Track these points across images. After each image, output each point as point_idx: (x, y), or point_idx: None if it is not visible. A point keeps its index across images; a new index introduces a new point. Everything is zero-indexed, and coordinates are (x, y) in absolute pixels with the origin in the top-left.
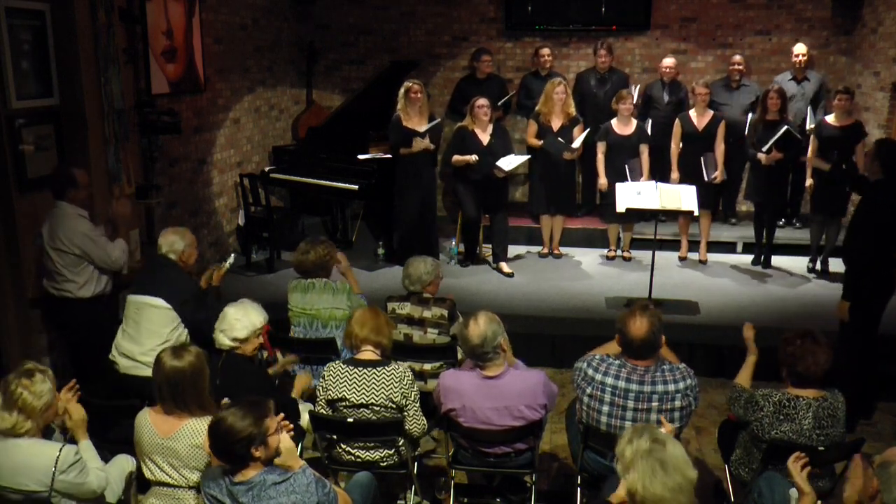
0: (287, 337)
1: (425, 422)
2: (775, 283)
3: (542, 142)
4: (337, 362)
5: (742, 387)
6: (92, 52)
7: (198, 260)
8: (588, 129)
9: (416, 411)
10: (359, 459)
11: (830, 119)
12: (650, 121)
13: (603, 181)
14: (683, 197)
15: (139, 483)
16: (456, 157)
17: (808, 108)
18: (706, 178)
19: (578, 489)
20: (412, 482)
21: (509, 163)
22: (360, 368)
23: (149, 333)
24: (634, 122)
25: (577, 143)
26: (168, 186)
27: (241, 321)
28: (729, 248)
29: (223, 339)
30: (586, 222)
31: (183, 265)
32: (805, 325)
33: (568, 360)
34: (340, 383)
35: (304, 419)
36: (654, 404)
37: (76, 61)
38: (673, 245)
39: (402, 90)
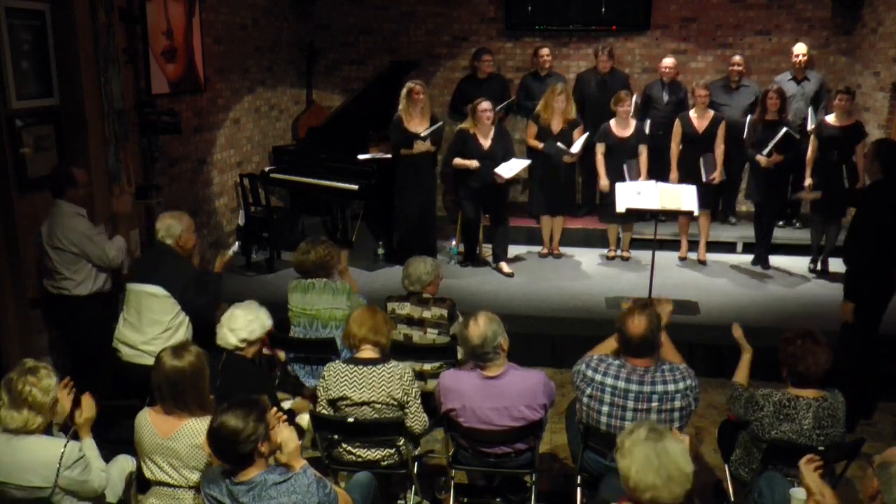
0: (287, 337)
1: (426, 419)
2: (775, 283)
3: (542, 145)
4: (337, 362)
5: (741, 385)
6: (92, 52)
7: (196, 244)
8: (588, 134)
9: (418, 408)
10: (359, 459)
11: (831, 119)
12: (648, 121)
13: (604, 182)
14: (683, 197)
15: (139, 483)
16: (457, 161)
17: (809, 109)
18: (704, 179)
19: (578, 489)
20: (412, 482)
21: (509, 170)
22: (361, 367)
23: (150, 322)
24: (633, 122)
25: (576, 148)
26: (168, 186)
27: (252, 323)
28: (729, 248)
29: (231, 339)
30: (586, 222)
31: (181, 250)
32: (805, 325)
33: (568, 360)
34: (341, 382)
35: (305, 419)
36: (654, 404)
37: (76, 61)
38: (673, 245)
39: (404, 90)
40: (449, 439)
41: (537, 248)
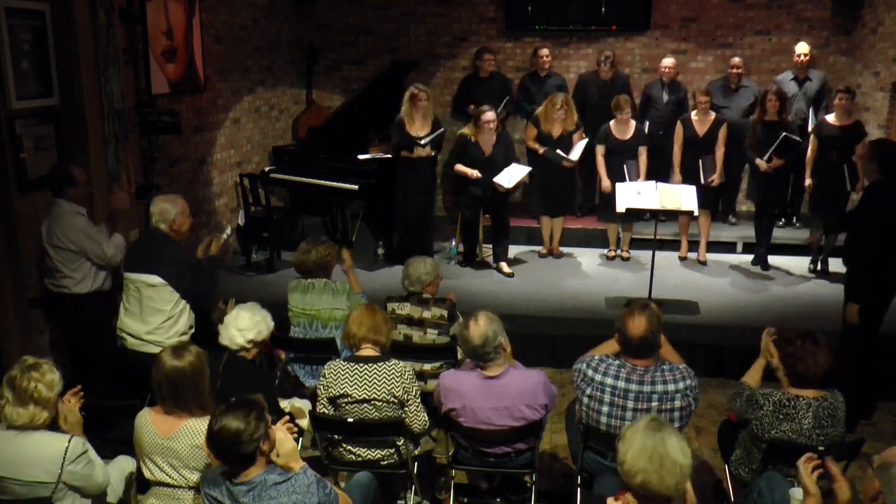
0: (287, 337)
1: (426, 418)
2: (775, 283)
3: (542, 149)
4: (337, 360)
5: (748, 385)
6: (92, 52)
7: (192, 228)
8: (587, 140)
9: (418, 407)
10: (359, 458)
11: (831, 118)
12: (647, 122)
13: (606, 183)
14: (683, 197)
15: (139, 483)
16: (458, 168)
17: (810, 110)
18: (702, 181)
19: (578, 489)
20: (412, 482)
21: (510, 178)
22: (361, 364)
23: (151, 312)
24: (633, 124)
25: (575, 155)
26: (168, 186)
27: (258, 324)
28: (729, 248)
29: (239, 339)
30: (586, 222)
31: (175, 234)
32: (805, 326)
33: (568, 360)
34: (342, 380)
35: (304, 420)
36: (654, 404)
37: (76, 61)
38: (673, 245)
39: (407, 95)
40: (449, 439)
41: (537, 248)
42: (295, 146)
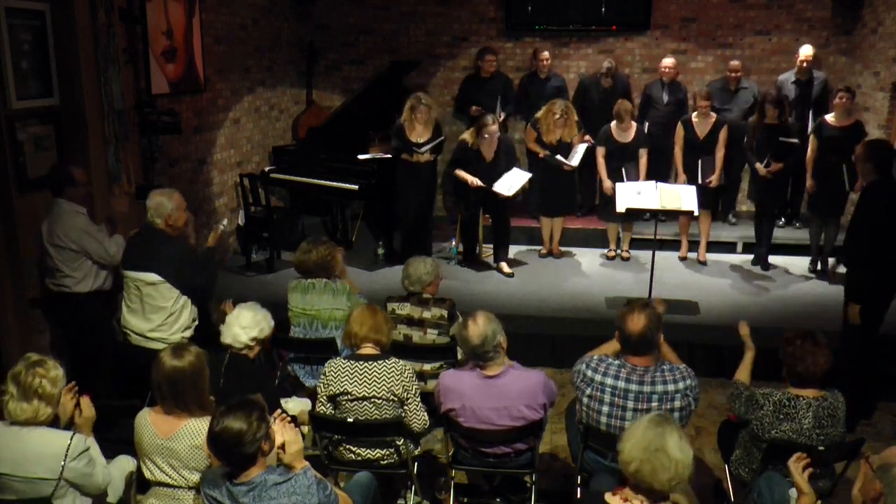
0: (287, 337)
1: (426, 417)
2: (775, 283)
3: (543, 153)
4: (338, 358)
5: (743, 383)
6: (92, 52)
7: (188, 222)
8: (587, 145)
9: (418, 406)
10: (359, 458)
11: (830, 119)
12: (647, 122)
13: (607, 184)
14: (683, 197)
15: (139, 483)
16: (459, 173)
17: (811, 112)
18: (700, 182)
19: (578, 489)
20: (412, 482)
21: (509, 187)
22: (362, 362)
23: (153, 309)
24: (634, 127)
25: (575, 161)
26: (168, 186)
27: (260, 322)
28: (729, 248)
29: (243, 337)
30: (586, 222)
31: (171, 229)
32: (805, 326)
33: (568, 360)
34: (342, 378)
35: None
36: (654, 404)
37: (76, 61)
38: (673, 245)
39: (409, 104)
40: (449, 439)
41: (537, 248)
42: (295, 146)
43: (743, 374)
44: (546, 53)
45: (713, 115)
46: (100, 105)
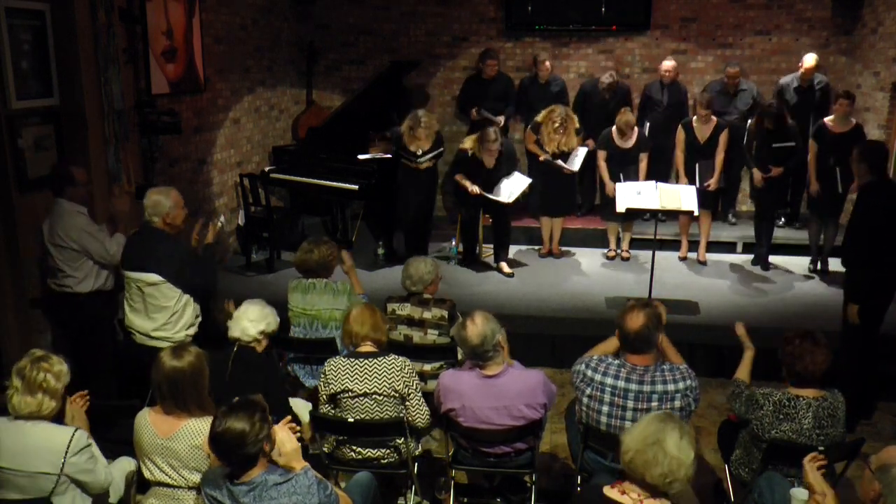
0: (287, 337)
1: (429, 411)
2: (775, 283)
3: (543, 156)
4: (337, 357)
5: (743, 382)
6: (92, 52)
7: (186, 219)
8: (586, 149)
9: (419, 401)
10: (359, 456)
11: (830, 123)
12: (648, 124)
13: (610, 186)
14: (683, 197)
15: (139, 483)
16: (460, 178)
17: (812, 117)
18: (698, 185)
19: (578, 489)
20: (412, 482)
21: (510, 194)
22: (362, 360)
23: (155, 309)
24: (636, 133)
25: (576, 165)
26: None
27: (267, 316)
28: (729, 248)
29: (251, 330)
30: (586, 222)
31: (169, 228)
32: (805, 326)
33: (568, 360)
34: (342, 375)
35: (304, 420)
36: (654, 404)
37: (76, 61)
38: (673, 245)
39: (408, 123)
40: (449, 439)
41: (537, 248)
42: (295, 146)
43: (742, 373)
44: (547, 64)
45: (714, 118)
46: (100, 105)
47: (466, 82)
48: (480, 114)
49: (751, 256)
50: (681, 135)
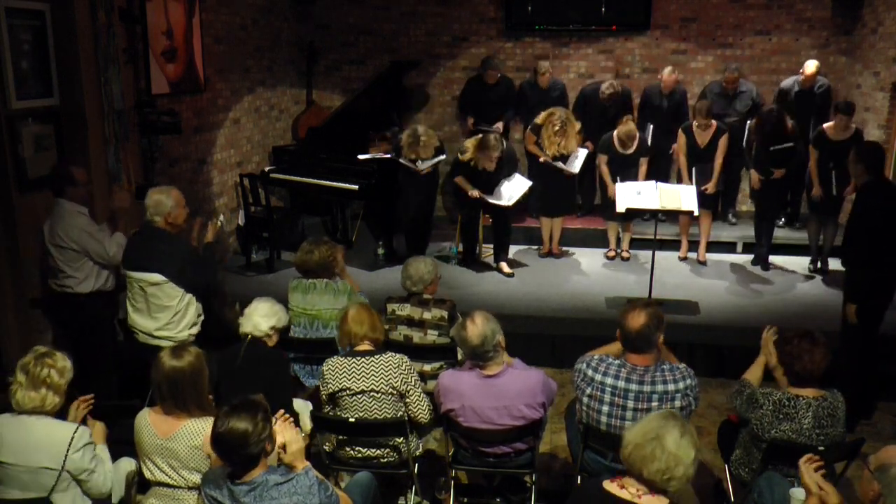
0: (287, 337)
1: (430, 405)
2: (775, 283)
3: (542, 157)
4: (335, 357)
5: (749, 382)
6: (92, 52)
7: (188, 219)
8: (586, 151)
9: (419, 396)
10: (359, 455)
11: (830, 132)
12: (651, 126)
13: (612, 189)
14: (683, 197)
15: (139, 483)
16: (460, 181)
17: (813, 120)
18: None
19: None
20: (412, 482)
21: (510, 197)
22: (359, 358)
23: (158, 308)
24: (637, 140)
25: (575, 168)
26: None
27: (278, 312)
28: (729, 248)
29: (263, 325)
30: (586, 222)
31: (171, 227)
32: (805, 325)
33: (568, 360)
34: (340, 374)
35: (305, 420)
36: (654, 404)
37: (76, 61)
38: (673, 245)
39: (407, 141)
40: (449, 439)
41: (537, 248)
42: (295, 146)
43: (753, 374)
44: (548, 76)
45: (713, 122)
46: (100, 105)
47: (468, 84)
48: (477, 126)
49: (751, 256)
50: (682, 139)
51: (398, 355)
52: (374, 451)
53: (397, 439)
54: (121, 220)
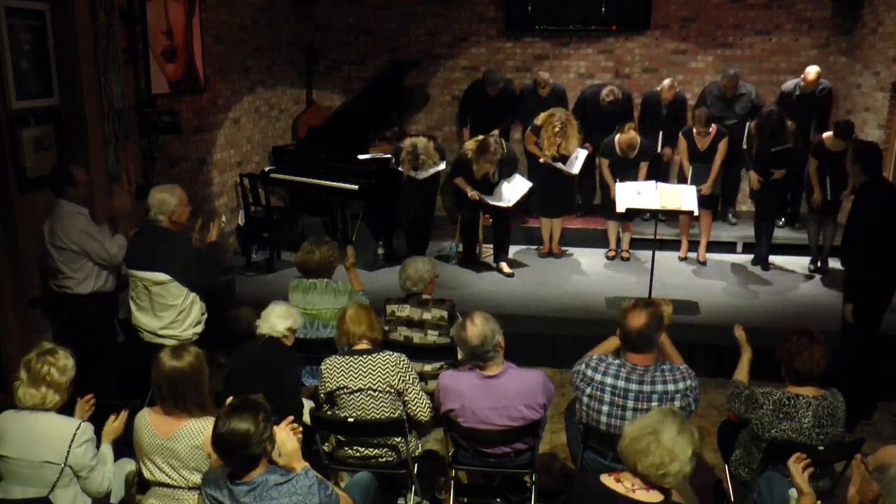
0: None
1: (430, 402)
2: (775, 283)
3: (542, 158)
4: (333, 356)
5: (742, 383)
6: (92, 52)
7: (191, 217)
8: (586, 153)
9: (418, 395)
10: (358, 454)
11: (829, 142)
12: (662, 132)
13: (615, 189)
14: (683, 197)
15: (139, 483)
16: (459, 182)
17: (814, 122)
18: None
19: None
20: (412, 482)
21: (510, 198)
22: (357, 357)
23: (162, 308)
24: (638, 142)
25: (575, 169)
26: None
27: (293, 315)
28: (729, 248)
29: (280, 326)
30: (586, 222)
31: (174, 226)
32: (805, 325)
33: (568, 360)
34: (338, 373)
35: (304, 419)
36: (654, 404)
37: (76, 61)
38: (673, 245)
39: (406, 157)
40: (449, 439)
41: (537, 248)
42: (295, 146)
43: (740, 375)
44: (547, 88)
45: (714, 126)
46: (100, 105)
47: (469, 91)
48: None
49: (751, 256)
50: (682, 143)
51: (395, 354)
52: (373, 450)
53: (396, 439)
54: (121, 222)
